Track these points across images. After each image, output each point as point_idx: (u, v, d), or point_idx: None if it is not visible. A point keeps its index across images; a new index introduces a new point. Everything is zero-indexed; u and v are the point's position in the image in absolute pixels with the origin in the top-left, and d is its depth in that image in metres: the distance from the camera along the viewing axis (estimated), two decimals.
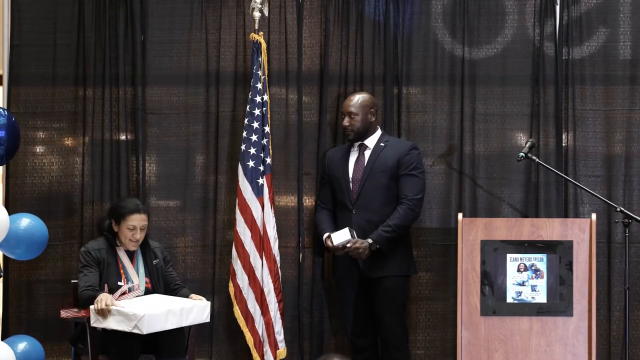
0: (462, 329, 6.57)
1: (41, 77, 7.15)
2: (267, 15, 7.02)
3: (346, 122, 6.82)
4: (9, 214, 6.54)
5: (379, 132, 6.86)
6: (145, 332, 6.00)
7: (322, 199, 6.94)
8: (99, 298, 6.08)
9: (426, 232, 7.09)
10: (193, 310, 6.28)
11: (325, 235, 6.77)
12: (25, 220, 6.61)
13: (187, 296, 6.45)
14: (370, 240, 6.60)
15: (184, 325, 6.22)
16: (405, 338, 6.78)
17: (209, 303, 6.39)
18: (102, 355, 6.24)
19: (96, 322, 6.10)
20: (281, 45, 7.18)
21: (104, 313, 6.04)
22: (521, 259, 6.62)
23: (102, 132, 7.18)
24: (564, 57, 7.09)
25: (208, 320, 6.39)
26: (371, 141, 6.82)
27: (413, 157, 6.76)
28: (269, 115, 7.00)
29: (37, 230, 6.64)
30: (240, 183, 6.92)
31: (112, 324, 6.05)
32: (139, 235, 6.38)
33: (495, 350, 6.57)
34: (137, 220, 6.36)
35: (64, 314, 6.31)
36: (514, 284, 6.61)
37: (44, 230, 6.68)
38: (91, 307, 6.11)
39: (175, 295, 6.46)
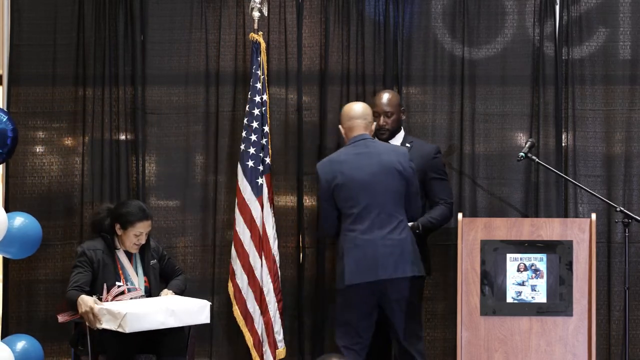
0: (462, 329, 6.56)
1: (41, 77, 7.16)
2: (266, 15, 7.02)
3: (382, 121, 6.68)
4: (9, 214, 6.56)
5: (402, 132, 6.81)
6: (127, 331, 5.98)
7: None
8: (79, 303, 6.11)
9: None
10: (191, 310, 6.26)
11: None
12: (19, 219, 6.61)
13: (179, 285, 6.48)
14: (414, 223, 6.45)
15: (177, 325, 6.19)
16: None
17: (209, 303, 6.36)
18: (102, 355, 6.24)
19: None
20: (281, 45, 7.18)
21: (89, 315, 6.06)
22: (521, 258, 6.61)
23: (102, 132, 7.18)
24: (563, 57, 7.09)
25: (208, 321, 6.36)
26: (396, 141, 6.75)
27: (439, 160, 6.74)
28: (268, 115, 7.00)
29: (31, 229, 6.64)
30: (239, 183, 6.92)
31: (103, 322, 6.06)
32: (144, 240, 6.39)
33: (495, 350, 6.56)
34: (145, 226, 6.37)
35: (61, 318, 6.30)
36: (513, 283, 6.60)
37: (38, 229, 6.68)
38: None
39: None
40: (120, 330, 5.99)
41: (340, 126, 6.39)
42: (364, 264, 6.10)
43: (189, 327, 6.36)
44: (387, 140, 6.74)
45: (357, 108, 6.34)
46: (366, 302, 6.17)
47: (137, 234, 6.34)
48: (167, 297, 6.36)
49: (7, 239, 6.48)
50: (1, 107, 6.86)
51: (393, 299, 6.15)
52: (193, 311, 6.27)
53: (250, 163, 6.91)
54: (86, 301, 6.11)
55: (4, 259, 7.08)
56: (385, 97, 6.75)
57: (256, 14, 6.95)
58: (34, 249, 6.72)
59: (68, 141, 7.22)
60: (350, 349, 6.22)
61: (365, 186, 6.13)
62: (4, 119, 6.45)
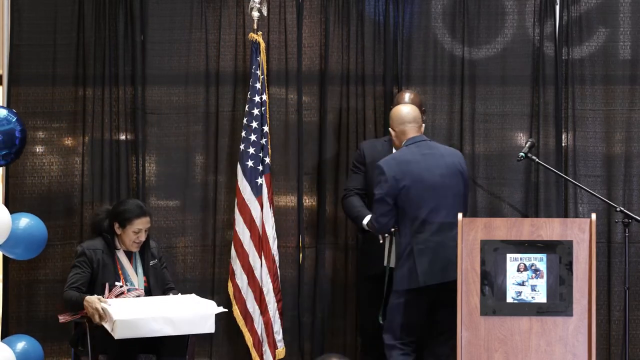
0: (462, 329, 6.55)
1: (41, 77, 7.16)
2: (266, 15, 7.02)
3: None
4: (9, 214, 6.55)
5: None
6: (116, 337, 5.97)
7: (355, 186, 6.78)
8: (85, 306, 6.11)
9: None
10: (192, 320, 6.20)
11: (367, 219, 6.59)
12: (25, 220, 6.62)
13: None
14: None
15: (175, 334, 6.12)
16: None
17: (214, 313, 6.24)
18: (102, 355, 6.24)
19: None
20: (281, 45, 7.18)
21: (95, 317, 6.07)
22: (521, 258, 6.59)
23: (102, 132, 7.18)
24: (563, 57, 7.09)
25: (212, 330, 6.25)
26: None
27: None
28: (267, 115, 7.00)
29: (36, 229, 6.65)
30: (239, 183, 6.92)
31: (107, 321, 6.06)
32: (143, 237, 6.39)
33: (495, 350, 6.55)
34: (143, 223, 6.36)
35: (62, 318, 6.30)
36: (513, 283, 6.58)
37: (43, 230, 6.69)
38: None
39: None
40: (113, 334, 5.99)
41: (390, 129, 6.35)
42: (437, 265, 6.21)
43: None
44: None
45: (410, 111, 6.32)
46: (428, 303, 6.27)
47: (135, 231, 6.34)
48: (172, 299, 6.32)
49: (12, 240, 6.49)
50: (11, 108, 6.86)
51: (454, 300, 6.21)
52: (194, 321, 6.18)
53: (250, 163, 6.91)
54: (91, 302, 6.10)
55: (4, 258, 7.08)
56: (407, 97, 6.74)
57: (256, 14, 6.95)
58: (40, 250, 6.73)
59: (68, 141, 7.22)
60: (406, 345, 6.28)
61: (435, 187, 6.17)
62: (13, 120, 6.47)
